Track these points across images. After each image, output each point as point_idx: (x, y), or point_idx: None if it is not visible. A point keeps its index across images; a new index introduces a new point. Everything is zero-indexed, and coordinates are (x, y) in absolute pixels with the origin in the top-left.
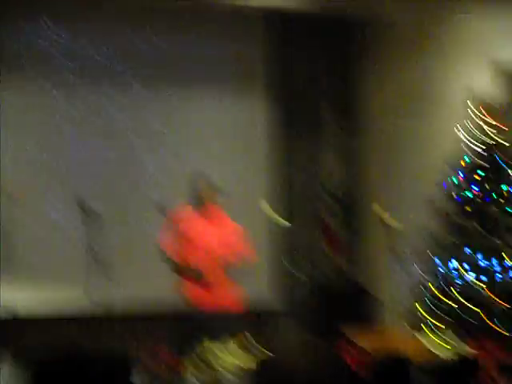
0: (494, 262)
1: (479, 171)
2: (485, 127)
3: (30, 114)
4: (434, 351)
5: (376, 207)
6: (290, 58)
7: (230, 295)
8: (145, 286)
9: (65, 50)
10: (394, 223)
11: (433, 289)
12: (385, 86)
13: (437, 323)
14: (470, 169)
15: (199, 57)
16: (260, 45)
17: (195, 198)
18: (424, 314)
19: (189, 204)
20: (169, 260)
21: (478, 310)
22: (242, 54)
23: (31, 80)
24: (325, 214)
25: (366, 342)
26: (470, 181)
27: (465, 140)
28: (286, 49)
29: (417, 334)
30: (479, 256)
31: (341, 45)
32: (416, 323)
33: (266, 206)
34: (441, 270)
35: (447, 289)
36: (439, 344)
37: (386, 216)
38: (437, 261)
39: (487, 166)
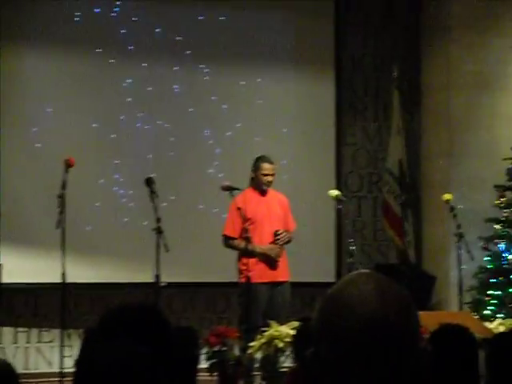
0: None
1: None
2: None
3: (86, 83)
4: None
5: (445, 195)
6: (359, 43)
7: (286, 268)
8: (205, 266)
9: (121, 20)
10: (458, 205)
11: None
12: (454, 66)
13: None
14: None
15: (264, 36)
16: (329, 30)
17: (254, 179)
18: (486, 298)
19: (250, 185)
20: (232, 243)
21: None
22: (310, 36)
23: (87, 51)
24: (388, 197)
25: (426, 321)
26: None
27: None
28: (355, 34)
29: (478, 317)
30: None
31: (411, 29)
32: (478, 308)
33: (332, 191)
34: (507, 255)
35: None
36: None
37: (450, 198)
38: (501, 246)
39: None
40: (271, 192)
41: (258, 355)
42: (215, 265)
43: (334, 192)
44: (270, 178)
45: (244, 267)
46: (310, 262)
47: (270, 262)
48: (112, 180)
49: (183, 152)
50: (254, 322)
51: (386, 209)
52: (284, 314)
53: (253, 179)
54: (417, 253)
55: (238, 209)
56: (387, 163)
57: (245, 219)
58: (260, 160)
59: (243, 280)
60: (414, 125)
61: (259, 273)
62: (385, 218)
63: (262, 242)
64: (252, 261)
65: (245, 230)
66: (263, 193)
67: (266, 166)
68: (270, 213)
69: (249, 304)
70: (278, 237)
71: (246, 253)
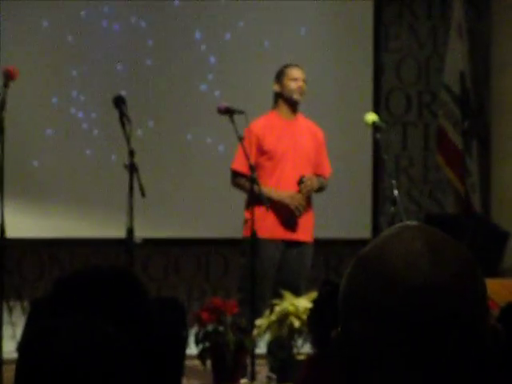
0: None
1: None
2: None
3: None
4: None
5: None
6: None
7: (308, 226)
8: (195, 218)
9: None
10: None
11: None
12: None
13: None
14: None
15: None
16: None
17: (280, 93)
18: None
19: (272, 108)
20: (241, 181)
21: None
22: None
23: None
24: (445, 123)
25: (495, 291)
26: None
27: None
28: None
29: None
30: None
31: None
32: None
33: (368, 115)
34: None
35: None
36: None
37: None
38: None
39: None
40: (302, 120)
41: (267, 337)
42: (209, 216)
43: (371, 116)
44: (300, 83)
45: (251, 217)
46: (338, 211)
47: (287, 215)
48: (68, 99)
49: (165, 61)
50: (259, 291)
51: (442, 139)
52: (301, 284)
53: (277, 96)
54: (483, 199)
55: (253, 138)
56: (444, 77)
57: (262, 153)
58: (285, 66)
59: (247, 234)
60: (482, 25)
61: (270, 226)
62: (440, 152)
63: (280, 185)
64: (262, 210)
65: (252, 168)
66: (294, 107)
67: (294, 70)
68: (297, 146)
69: (253, 266)
70: (303, 185)
71: (256, 198)
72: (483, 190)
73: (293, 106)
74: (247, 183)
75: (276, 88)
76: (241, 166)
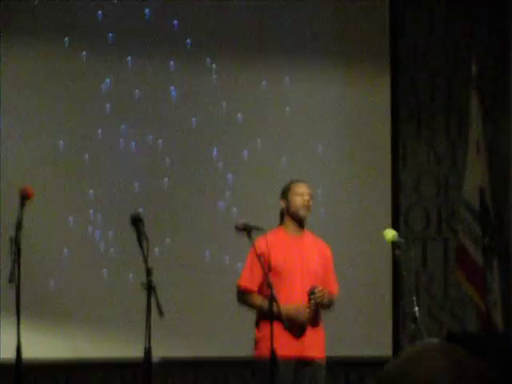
0: None
1: None
2: None
3: (48, 84)
4: None
5: None
6: (424, 27)
7: (320, 343)
8: (213, 336)
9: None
10: None
11: None
12: None
13: None
14: None
15: (295, 20)
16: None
17: (286, 209)
18: None
19: (279, 224)
20: (247, 298)
21: None
22: (355, 19)
23: (49, 38)
24: (465, 239)
25: None
26: None
27: None
28: (418, 15)
29: None
30: None
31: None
32: None
33: (387, 231)
34: None
35: None
36: None
37: None
38: None
39: None
40: (309, 236)
41: None
42: (226, 334)
43: (390, 232)
44: (307, 197)
45: (261, 336)
46: (357, 329)
47: (297, 332)
48: (85, 218)
49: (182, 179)
50: None
51: (463, 256)
52: None
53: (282, 214)
54: (506, 317)
55: (258, 256)
56: (464, 193)
57: (269, 269)
58: (290, 182)
59: (259, 354)
60: (501, 139)
61: (280, 345)
62: (460, 268)
63: (288, 303)
64: (275, 328)
65: (268, 285)
66: (301, 223)
67: (299, 185)
68: (304, 263)
69: None
70: (313, 296)
71: (265, 315)
72: (505, 307)
73: (299, 221)
74: (254, 299)
75: (282, 204)
76: (248, 282)
